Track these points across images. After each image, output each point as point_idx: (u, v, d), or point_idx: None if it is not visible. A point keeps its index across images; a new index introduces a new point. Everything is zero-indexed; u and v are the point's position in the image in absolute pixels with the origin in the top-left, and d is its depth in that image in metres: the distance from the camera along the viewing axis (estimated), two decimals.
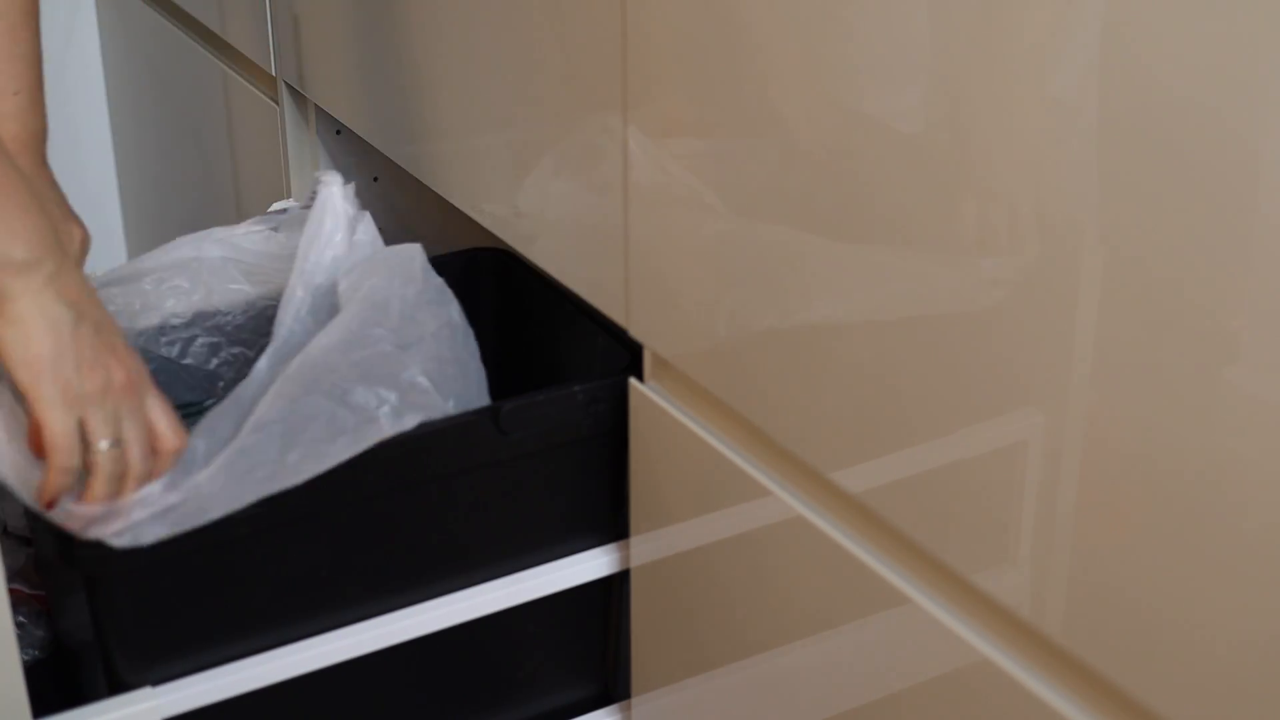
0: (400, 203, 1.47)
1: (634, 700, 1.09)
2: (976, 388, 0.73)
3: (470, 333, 1.05)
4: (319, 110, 1.41)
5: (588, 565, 1.06)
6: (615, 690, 1.12)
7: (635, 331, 0.98)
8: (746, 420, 0.89)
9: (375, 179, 1.46)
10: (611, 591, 1.08)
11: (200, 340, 1.16)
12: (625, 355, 1.01)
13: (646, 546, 1.03)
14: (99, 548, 0.89)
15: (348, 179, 1.45)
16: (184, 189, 1.84)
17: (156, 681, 0.95)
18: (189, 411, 1.12)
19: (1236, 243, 0.59)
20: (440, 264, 1.25)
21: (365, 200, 1.46)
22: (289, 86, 1.42)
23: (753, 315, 0.86)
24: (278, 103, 1.44)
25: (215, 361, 1.17)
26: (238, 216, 1.63)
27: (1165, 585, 0.65)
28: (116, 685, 0.95)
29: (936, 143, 0.72)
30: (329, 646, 0.99)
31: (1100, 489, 0.67)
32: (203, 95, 1.67)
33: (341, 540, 0.98)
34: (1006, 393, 0.71)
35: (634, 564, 1.05)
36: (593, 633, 1.10)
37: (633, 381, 1.00)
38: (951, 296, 0.73)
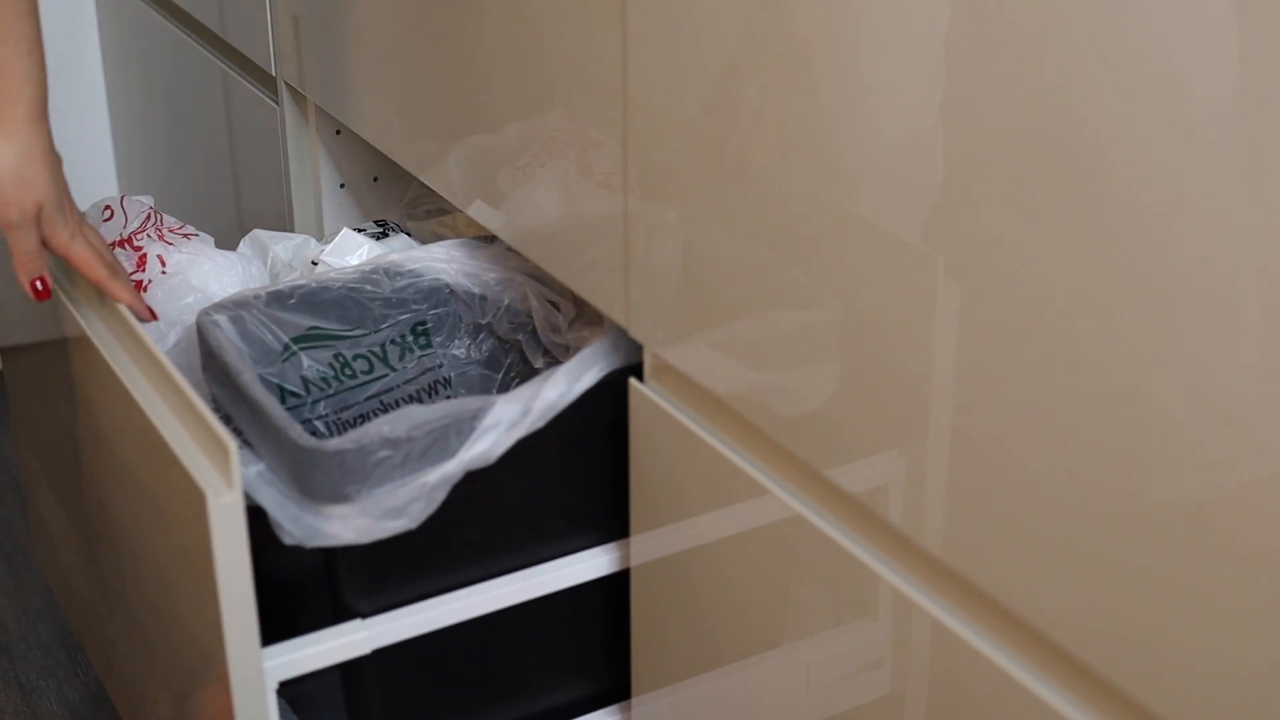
0: (400, 203, 1.47)
1: (634, 700, 1.09)
2: (975, 387, 0.73)
3: None
4: (319, 110, 1.41)
5: (591, 564, 1.06)
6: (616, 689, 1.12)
7: (635, 331, 0.97)
8: (746, 420, 0.89)
9: (375, 179, 1.46)
10: (615, 590, 1.08)
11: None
12: (636, 347, 1.01)
13: (646, 546, 1.03)
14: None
15: (348, 179, 1.45)
16: (184, 189, 1.84)
17: (369, 613, 1.01)
18: (337, 334, 1.18)
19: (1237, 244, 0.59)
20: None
21: (365, 200, 1.47)
22: (289, 86, 1.42)
23: (752, 315, 0.86)
24: (278, 103, 1.44)
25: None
26: (238, 217, 1.63)
27: (1161, 585, 0.65)
28: (342, 613, 1.00)
29: (936, 145, 0.72)
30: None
31: (1097, 489, 0.68)
32: (203, 95, 1.67)
33: None
34: (1005, 393, 0.71)
35: (634, 563, 1.05)
36: (595, 631, 1.10)
37: (633, 381, 1.00)
38: (950, 295, 0.73)
